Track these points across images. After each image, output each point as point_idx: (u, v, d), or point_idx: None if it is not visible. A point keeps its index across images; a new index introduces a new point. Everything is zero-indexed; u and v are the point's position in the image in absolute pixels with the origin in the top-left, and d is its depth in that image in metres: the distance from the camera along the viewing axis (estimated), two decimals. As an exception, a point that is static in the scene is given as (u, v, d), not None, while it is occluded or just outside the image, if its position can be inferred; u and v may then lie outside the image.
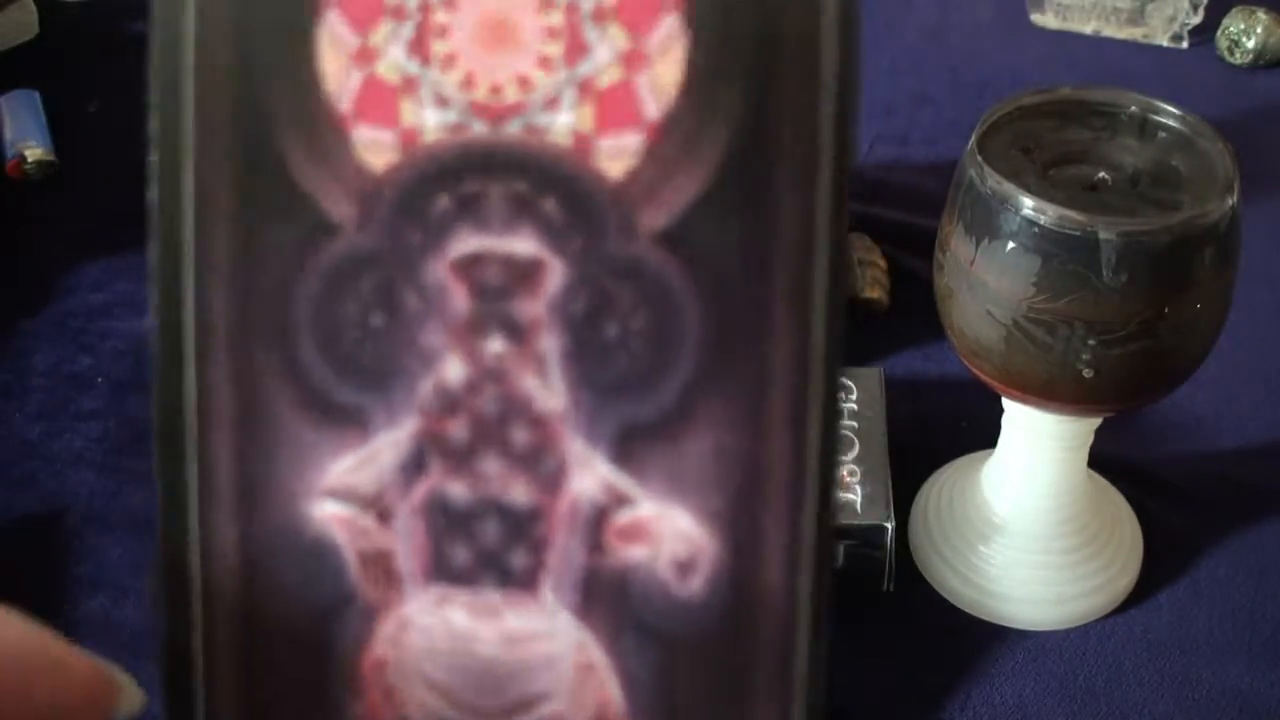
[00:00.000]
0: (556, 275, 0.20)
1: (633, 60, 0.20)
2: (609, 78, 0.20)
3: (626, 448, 0.20)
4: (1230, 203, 0.45)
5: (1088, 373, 0.46)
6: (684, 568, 0.21)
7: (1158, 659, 0.53)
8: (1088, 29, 0.94)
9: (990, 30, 0.95)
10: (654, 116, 0.20)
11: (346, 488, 0.21)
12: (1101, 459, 0.55)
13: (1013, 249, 0.45)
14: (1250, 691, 0.51)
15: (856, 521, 0.53)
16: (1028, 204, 0.45)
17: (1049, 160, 0.48)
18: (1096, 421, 0.51)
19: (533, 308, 0.20)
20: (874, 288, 0.68)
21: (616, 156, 0.20)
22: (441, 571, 0.21)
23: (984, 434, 0.56)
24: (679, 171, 0.20)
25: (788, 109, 0.20)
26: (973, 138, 0.48)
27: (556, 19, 0.20)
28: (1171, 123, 0.49)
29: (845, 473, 0.54)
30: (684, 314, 0.20)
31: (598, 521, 0.21)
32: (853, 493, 0.54)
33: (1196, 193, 0.46)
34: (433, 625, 0.21)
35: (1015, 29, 0.95)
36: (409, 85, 0.20)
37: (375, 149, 0.20)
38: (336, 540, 0.21)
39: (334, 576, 0.21)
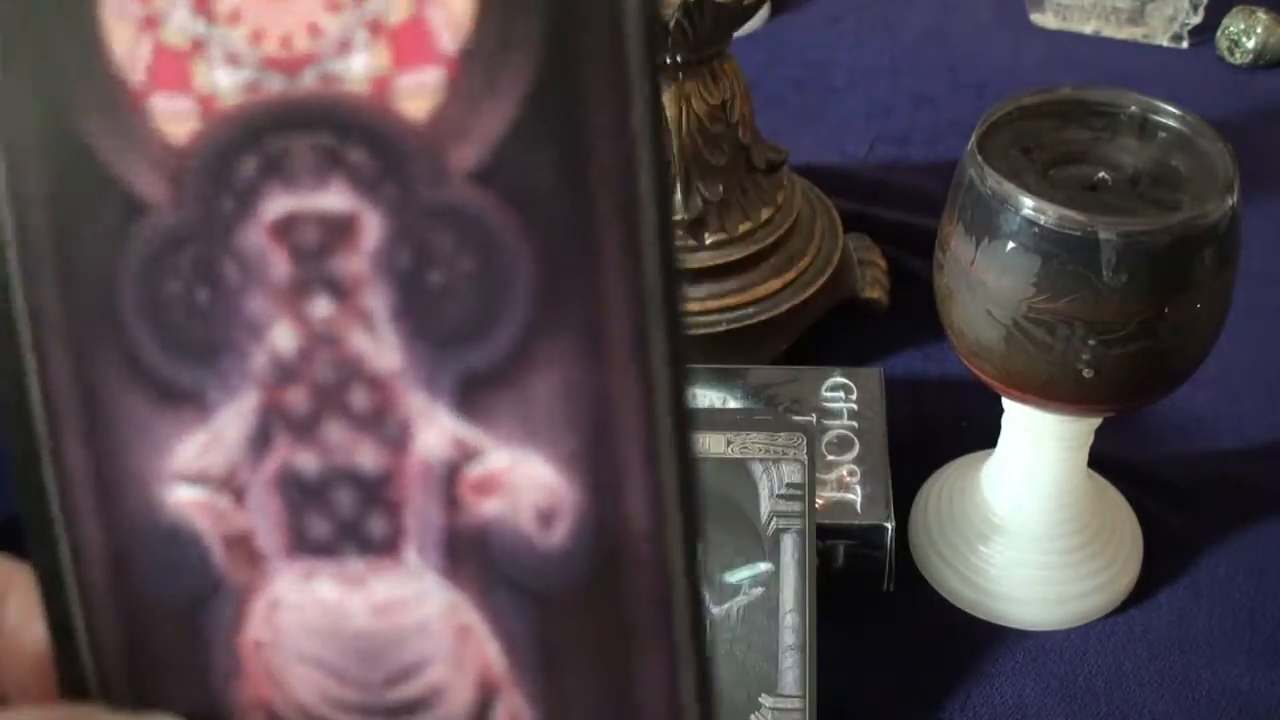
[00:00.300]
0: (373, 228, 0.20)
1: None
2: (400, 13, 0.19)
3: (470, 397, 0.20)
4: (1230, 203, 0.45)
5: (1088, 373, 0.46)
6: (545, 517, 0.20)
7: (1158, 659, 0.53)
8: (1088, 29, 0.94)
9: (990, 30, 0.95)
10: (450, 50, 0.19)
11: (197, 471, 0.21)
12: (1101, 459, 0.55)
13: (1013, 249, 0.45)
14: (1250, 691, 0.51)
15: (856, 521, 0.53)
16: (1028, 204, 0.45)
17: (1049, 160, 0.48)
18: (1096, 421, 0.51)
19: (354, 264, 0.20)
20: (874, 288, 0.68)
21: (417, 95, 0.19)
22: (303, 545, 0.21)
23: (984, 434, 0.56)
24: (483, 105, 0.19)
25: (590, 25, 0.19)
26: (973, 138, 0.48)
27: None
28: (1171, 123, 0.49)
29: (845, 473, 0.55)
30: (509, 252, 0.19)
31: (450, 478, 0.20)
32: (853, 493, 0.54)
33: (1196, 193, 0.46)
34: (303, 601, 0.21)
35: (1015, 29, 0.95)
36: (198, 47, 0.19)
37: (175, 119, 0.20)
38: (195, 526, 0.21)
39: (198, 564, 0.21)
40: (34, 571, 0.21)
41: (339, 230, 0.20)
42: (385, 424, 0.20)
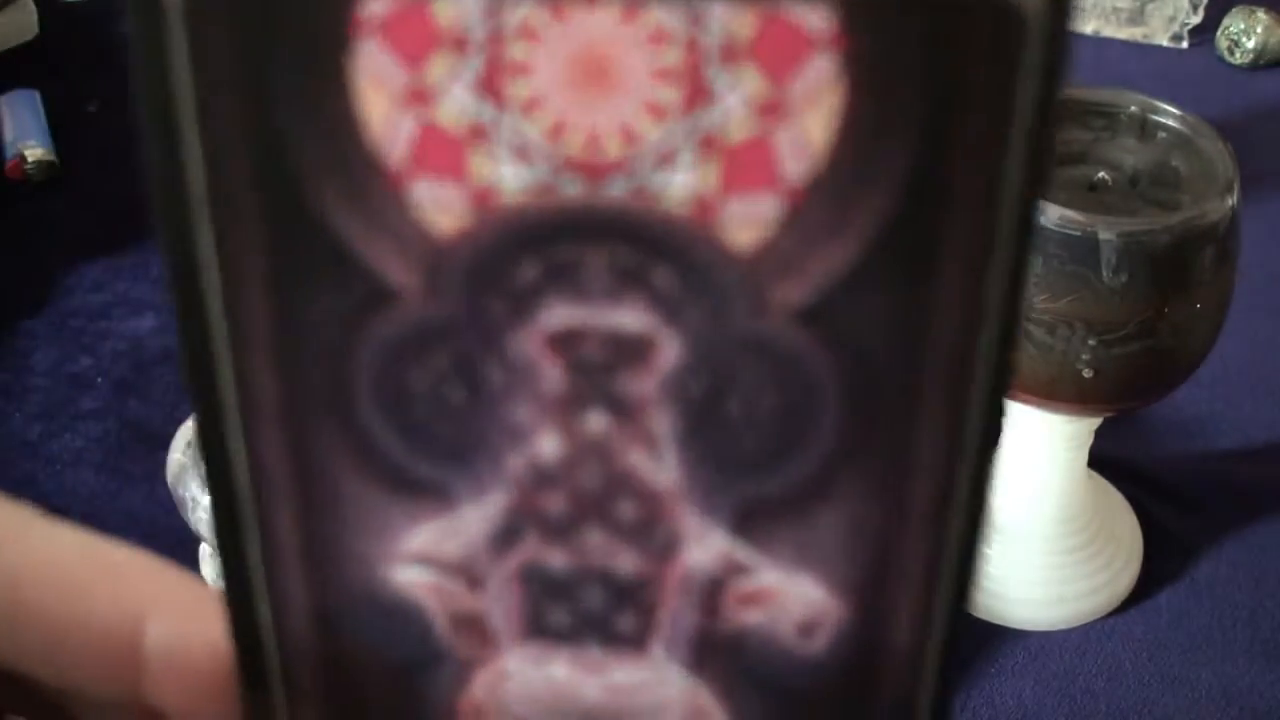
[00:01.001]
0: (670, 353, 0.17)
1: (771, 110, 0.16)
2: (741, 132, 0.16)
3: (750, 521, 0.18)
4: (1230, 203, 0.45)
5: (1088, 373, 0.46)
6: (807, 629, 0.19)
7: (1158, 659, 0.53)
8: (1088, 29, 0.94)
9: (990, 30, 0.95)
10: (796, 179, 0.16)
11: (430, 555, 0.19)
12: (1101, 459, 0.55)
13: (1013, 249, 0.45)
14: (1250, 691, 0.51)
15: (857, 522, 0.53)
16: (1028, 204, 0.45)
17: (1049, 160, 0.48)
18: (1096, 421, 0.51)
19: (642, 386, 0.18)
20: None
21: (746, 225, 0.16)
22: (540, 631, 0.19)
23: (984, 434, 0.56)
24: (823, 244, 0.16)
25: (963, 170, 0.16)
26: (973, 138, 0.47)
27: (672, 56, 0.16)
28: (1171, 123, 0.49)
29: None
30: (819, 393, 0.17)
31: (714, 589, 0.19)
32: (853, 493, 0.54)
33: (1196, 193, 0.46)
34: (533, 677, 0.20)
35: (1015, 29, 0.95)
36: (478, 134, 0.16)
37: (440, 209, 0.17)
38: (421, 602, 0.19)
39: (421, 634, 0.19)
40: (229, 620, 0.20)
41: (630, 351, 0.17)
42: (653, 534, 0.18)
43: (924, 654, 0.19)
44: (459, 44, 0.16)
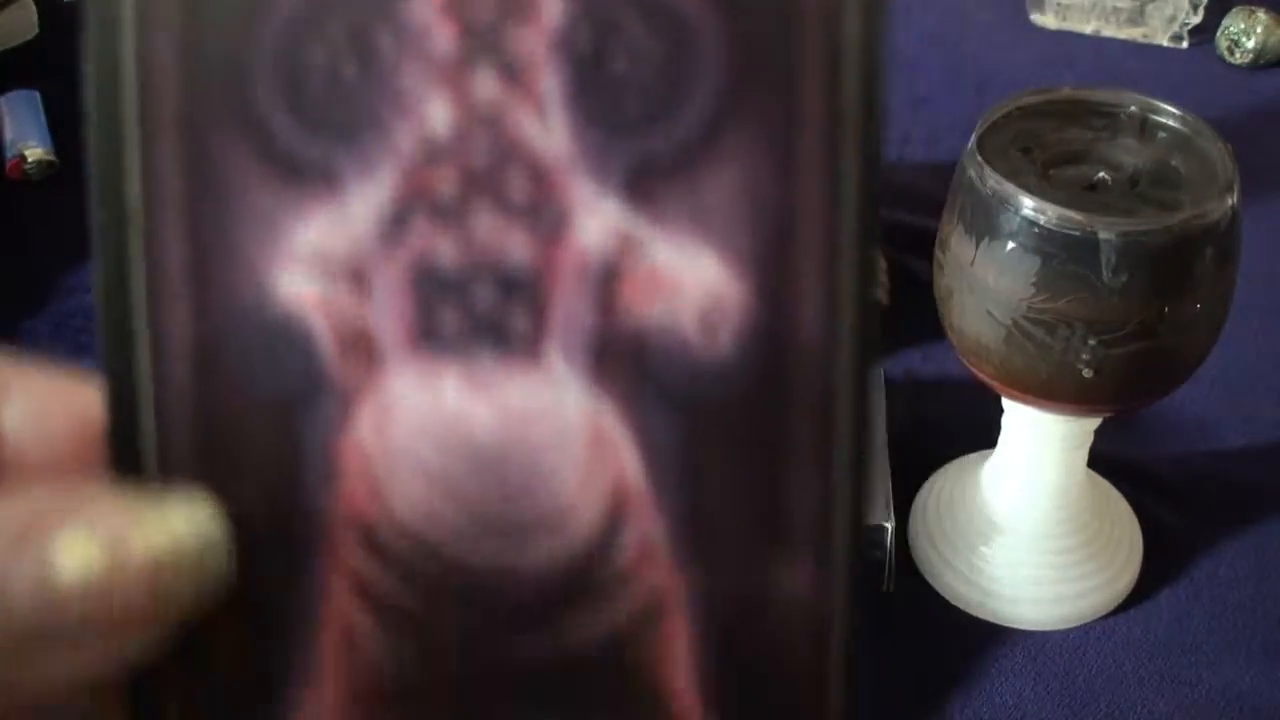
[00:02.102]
0: (556, 6, 0.18)
1: None
2: None
3: (640, 186, 0.18)
4: (1230, 203, 0.45)
5: (1088, 373, 0.46)
6: (709, 322, 0.18)
7: (1158, 659, 0.53)
8: (1088, 29, 0.94)
9: (990, 30, 0.95)
10: None
11: (316, 255, 0.19)
12: (1101, 459, 0.55)
13: (1013, 249, 0.45)
14: (1250, 691, 0.51)
15: (856, 521, 0.53)
16: (1028, 204, 0.45)
17: (1049, 160, 0.48)
18: (1096, 421, 0.51)
19: (530, 43, 0.18)
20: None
21: None
22: (429, 341, 0.19)
23: (984, 434, 0.56)
24: None
25: None
26: (973, 138, 0.48)
27: None
28: (1171, 123, 0.49)
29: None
30: (702, 42, 0.18)
31: (608, 273, 0.18)
32: (853, 493, 0.53)
33: (1196, 193, 0.46)
34: (420, 405, 0.19)
35: (1015, 29, 0.95)
36: None
37: None
38: (306, 317, 0.19)
39: (304, 359, 0.19)
40: (101, 368, 0.19)
41: (518, 6, 0.18)
42: (542, 212, 0.18)
43: (836, 348, 0.18)
44: None
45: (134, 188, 0.19)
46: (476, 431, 0.19)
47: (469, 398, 0.19)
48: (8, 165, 0.76)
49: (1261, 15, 0.88)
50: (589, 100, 0.18)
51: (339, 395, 0.19)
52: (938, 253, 0.50)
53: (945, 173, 0.51)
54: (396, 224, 0.19)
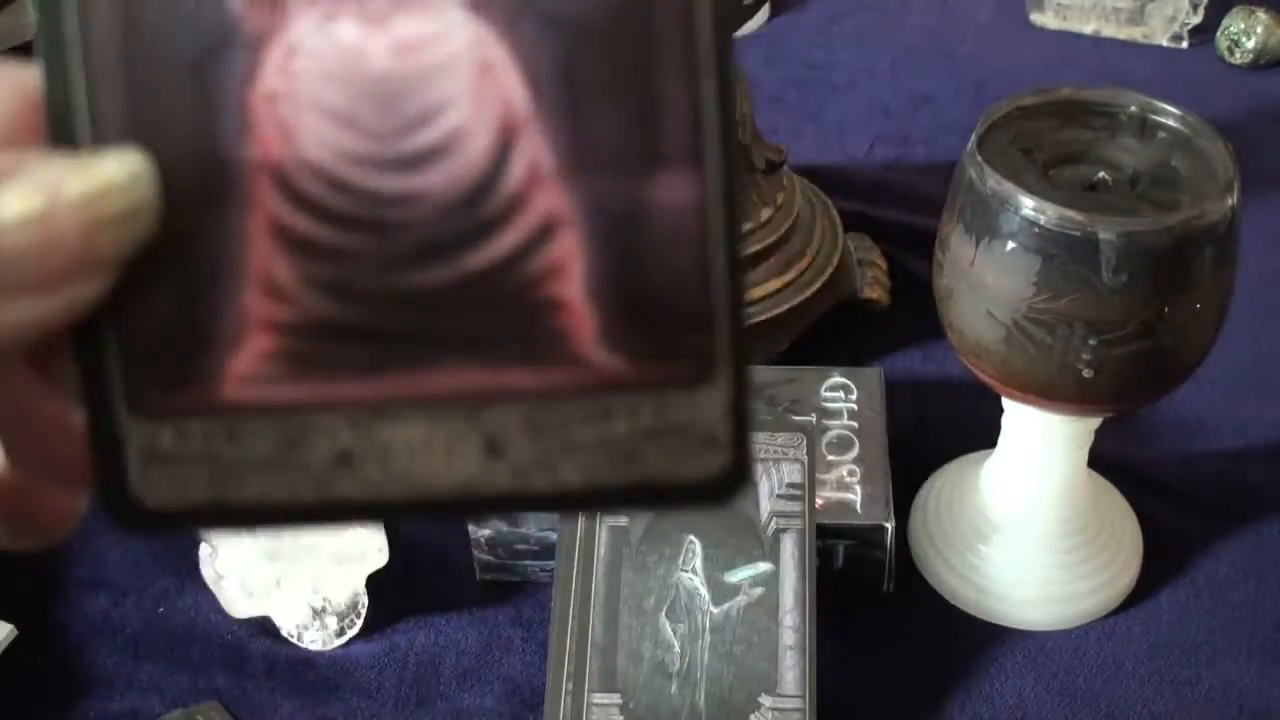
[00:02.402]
0: None
1: None
2: None
3: None
4: (1230, 203, 0.45)
5: (1088, 373, 0.46)
6: None
7: (1158, 659, 0.53)
8: (1088, 29, 0.94)
9: (990, 30, 0.95)
10: None
11: None
12: (1101, 459, 0.55)
13: (1013, 249, 0.45)
14: (1250, 691, 0.51)
15: (856, 521, 0.53)
16: (1028, 204, 0.45)
17: (1049, 160, 0.48)
18: (1096, 421, 0.51)
19: None
20: (874, 288, 0.68)
21: None
22: None
23: (984, 434, 0.56)
24: None
25: None
26: (973, 138, 0.48)
27: None
28: (1171, 123, 0.49)
29: (845, 473, 0.55)
30: None
31: None
32: (853, 493, 0.54)
33: (1196, 193, 0.46)
34: (321, 46, 0.20)
35: (1015, 29, 0.95)
36: None
37: None
38: None
39: (215, 7, 0.20)
40: (34, 31, 0.21)
41: None
42: None
43: None
44: None
45: None
46: (373, 66, 0.20)
47: (365, 34, 0.20)
48: (8, 165, 0.76)
49: (1261, 15, 0.88)
50: None
51: (247, 42, 0.20)
52: (938, 253, 0.50)
53: (945, 173, 0.51)
54: None
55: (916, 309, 0.63)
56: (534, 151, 0.20)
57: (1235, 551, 0.57)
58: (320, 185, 0.20)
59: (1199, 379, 0.49)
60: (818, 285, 0.64)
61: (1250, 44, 0.88)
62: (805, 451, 0.52)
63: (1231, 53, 0.89)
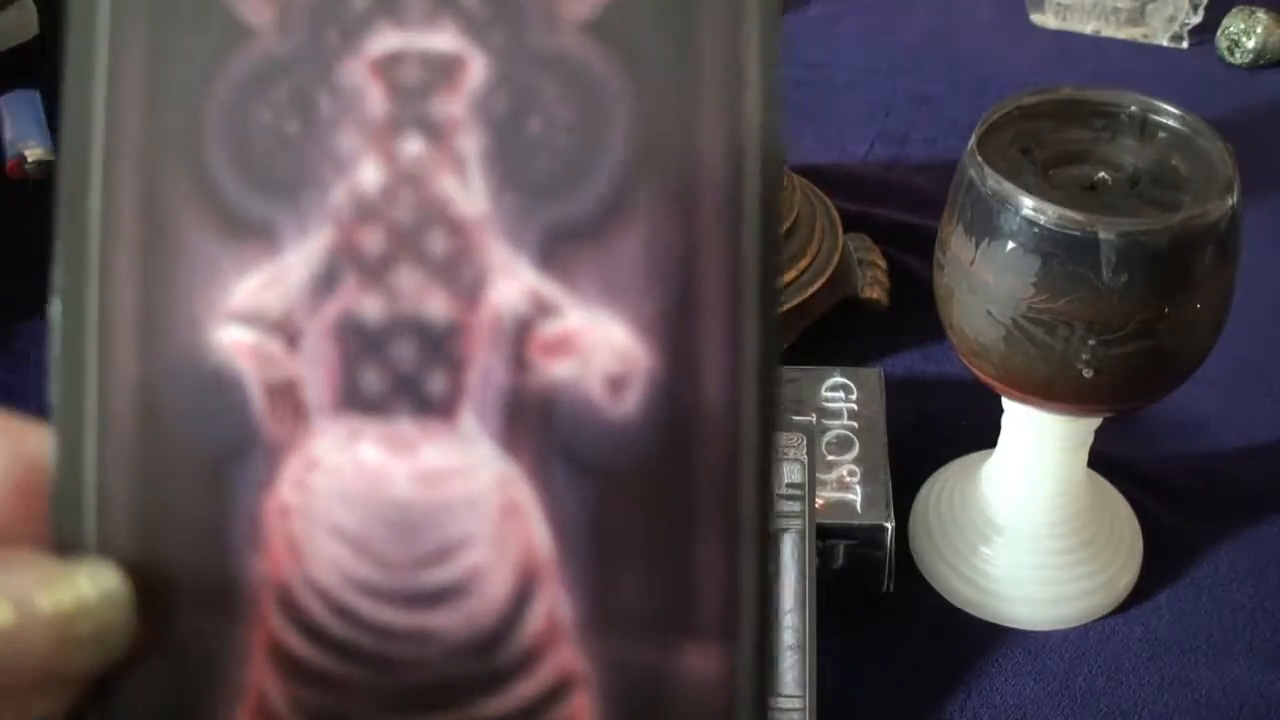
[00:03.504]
0: (477, 70, 0.19)
1: None
2: None
3: (553, 250, 0.19)
4: (1230, 203, 0.45)
5: (1088, 373, 0.46)
6: (616, 383, 0.19)
7: (1158, 659, 0.53)
8: (1088, 29, 0.94)
9: (990, 30, 0.95)
10: None
11: (252, 309, 0.20)
12: (1101, 459, 0.55)
13: (1013, 249, 0.45)
14: (1250, 691, 0.51)
15: (856, 521, 0.53)
16: (1028, 204, 0.45)
17: (1049, 160, 0.48)
18: (1096, 421, 0.51)
19: (452, 106, 0.19)
20: (874, 288, 0.68)
21: None
22: (352, 400, 0.20)
23: (984, 434, 0.56)
24: None
25: None
26: (973, 138, 0.48)
27: None
28: (1171, 123, 0.49)
29: (845, 473, 0.54)
30: (611, 105, 0.19)
31: (521, 334, 0.19)
32: (853, 493, 0.54)
33: (1196, 193, 0.46)
34: (342, 464, 0.19)
35: (1015, 29, 0.95)
36: None
37: None
38: (240, 370, 0.20)
39: (237, 412, 0.20)
40: (52, 405, 0.20)
41: (442, 70, 0.19)
42: (461, 272, 0.19)
43: (739, 410, 0.19)
44: None
45: (94, 225, 0.20)
46: (394, 493, 0.19)
47: (387, 458, 0.19)
48: (8, 165, 0.76)
49: (1261, 15, 0.88)
50: (506, 162, 0.19)
51: (267, 452, 0.20)
52: (938, 253, 0.50)
53: (945, 173, 0.51)
54: (327, 280, 0.20)
55: (916, 309, 0.63)
56: (554, 602, 0.19)
57: (1235, 551, 0.57)
58: (325, 610, 0.20)
59: (1199, 379, 0.49)
60: (818, 285, 0.64)
61: (1250, 44, 0.88)
62: (805, 451, 0.52)
63: (1231, 53, 0.89)
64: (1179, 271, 0.45)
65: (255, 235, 0.19)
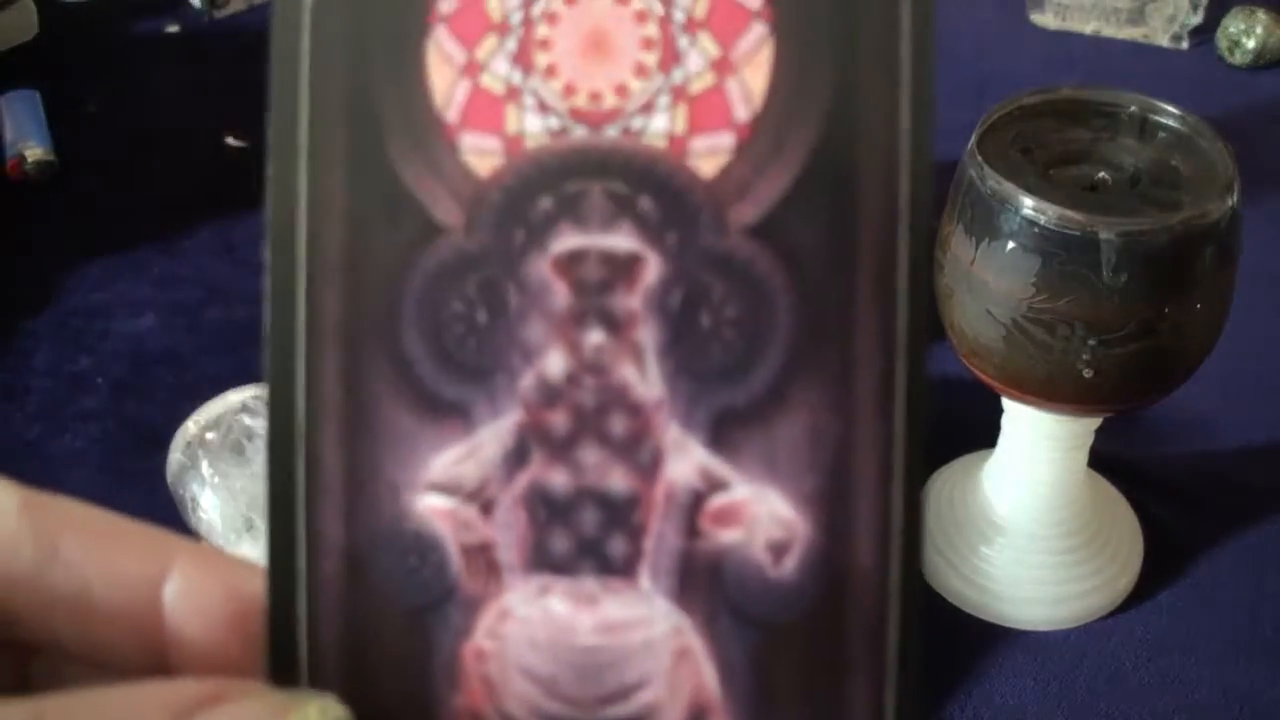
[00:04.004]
0: (653, 269, 0.21)
1: (722, 66, 0.21)
2: (701, 83, 0.21)
3: (722, 432, 0.21)
4: (1230, 203, 0.45)
5: (1088, 373, 0.46)
6: (778, 550, 0.21)
7: (1158, 659, 0.53)
8: (1088, 29, 0.94)
9: (990, 30, 0.95)
10: (743, 118, 0.21)
11: (450, 480, 0.22)
12: (1101, 459, 0.55)
13: (1013, 249, 0.45)
14: (1250, 691, 0.51)
15: (856, 521, 0.53)
16: (1028, 204, 0.45)
17: (1049, 160, 0.48)
18: (1096, 421, 0.51)
19: (630, 301, 0.21)
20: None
21: (709, 155, 0.21)
22: (542, 561, 0.22)
23: (984, 434, 0.56)
24: (768, 168, 0.21)
25: (868, 102, 0.22)
26: (973, 138, 0.48)
27: (652, 30, 0.22)
28: (1171, 123, 0.49)
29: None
30: (774, 303, 0.21)
31: (693, 506, 0.21)
32: (853, 493, 0.54)
33: (1196, 193, 0.46)
34: (532, 615, 0.22)
35: (1015, 29, 0.95)
36: (512, 94, 0.22)
37: (481, 155, 0.22)
38: (439, 533, 0.22)
39: (436, 570, 0.22)
40: (267, 556, 0.22)
41: (621, 269, 0.21)
42: (639, 451, 0.21)
43: (887, 573, 0.21)
44: (502, 28, 0.22)
45: (300, 400, 0.22)
46: (579, 641, 0.22)
47: (574, 611, 0.22)
48: (8, 165, 0.76)
49: (1261, 15, 0.88)
50: (679, 353, 0.21)
51: (464, 605, 0.22)
52: (938, 253, 0.50)
53: (945, 173, 0.51)
54: (517, 455, 0.22)
55: (916, 309, 0.63)
56: None
57: (1235, 551, 0.57)
58: None
59: (1199, 379, 0.49)
60: (818, 285, 0.64)
61: (1250, 44, 0.88)
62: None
63: (1231, 53, 0.89)
64: (1179, 271, 0.45)
65: (450, 415, 0.22)
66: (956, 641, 0.53)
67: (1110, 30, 0.93)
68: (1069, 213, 0.44)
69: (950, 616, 0.54)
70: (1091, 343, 0.45)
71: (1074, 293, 0.45)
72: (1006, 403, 0.52)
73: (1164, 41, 0.92)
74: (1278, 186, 0.76)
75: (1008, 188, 0.45)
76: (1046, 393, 0.47)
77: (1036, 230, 0.45)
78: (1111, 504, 0.57)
